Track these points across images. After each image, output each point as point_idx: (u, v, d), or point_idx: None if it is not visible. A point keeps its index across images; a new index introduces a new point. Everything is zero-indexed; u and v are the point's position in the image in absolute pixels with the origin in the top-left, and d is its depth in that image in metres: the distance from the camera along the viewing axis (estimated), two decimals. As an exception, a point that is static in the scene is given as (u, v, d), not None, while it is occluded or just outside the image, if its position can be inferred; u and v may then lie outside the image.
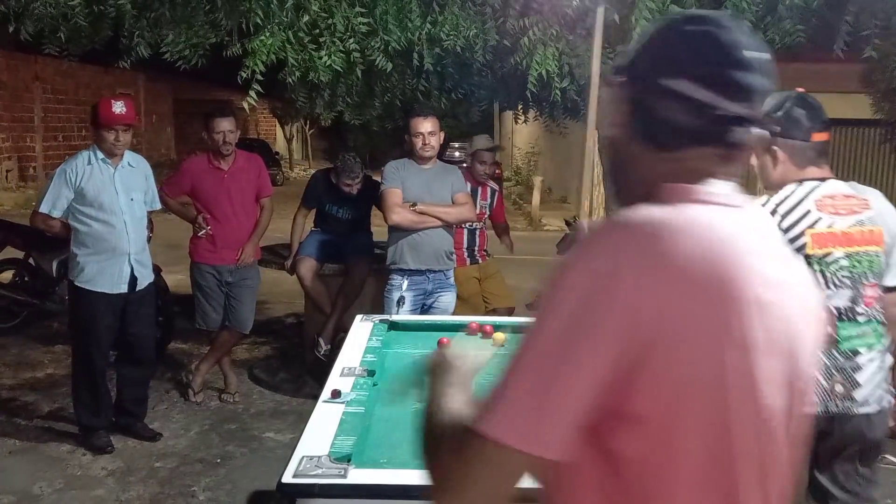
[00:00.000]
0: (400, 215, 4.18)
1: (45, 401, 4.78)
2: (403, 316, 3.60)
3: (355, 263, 5.04)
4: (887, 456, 3.86)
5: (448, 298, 4.39)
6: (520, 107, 6.75)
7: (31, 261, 5.92)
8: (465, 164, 5.44)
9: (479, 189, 5.21)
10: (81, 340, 4.16)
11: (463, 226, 5.01)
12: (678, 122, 1.02)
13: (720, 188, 1.03)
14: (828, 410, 2.30)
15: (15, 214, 9.62)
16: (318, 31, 4.36)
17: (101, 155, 4.02)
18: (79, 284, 4.03)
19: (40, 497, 3.65)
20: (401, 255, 4.26)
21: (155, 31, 4.46)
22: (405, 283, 4.07)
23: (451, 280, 4.45)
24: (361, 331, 3.13)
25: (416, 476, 1.82)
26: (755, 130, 1.03)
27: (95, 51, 4.87)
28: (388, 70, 4.67)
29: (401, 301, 3.81)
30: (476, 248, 5.14)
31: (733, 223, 1.00)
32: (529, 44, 4.51)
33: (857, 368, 2.32)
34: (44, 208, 4.02)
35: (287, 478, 1.95)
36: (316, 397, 2.44)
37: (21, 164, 14.33)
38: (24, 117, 14.28)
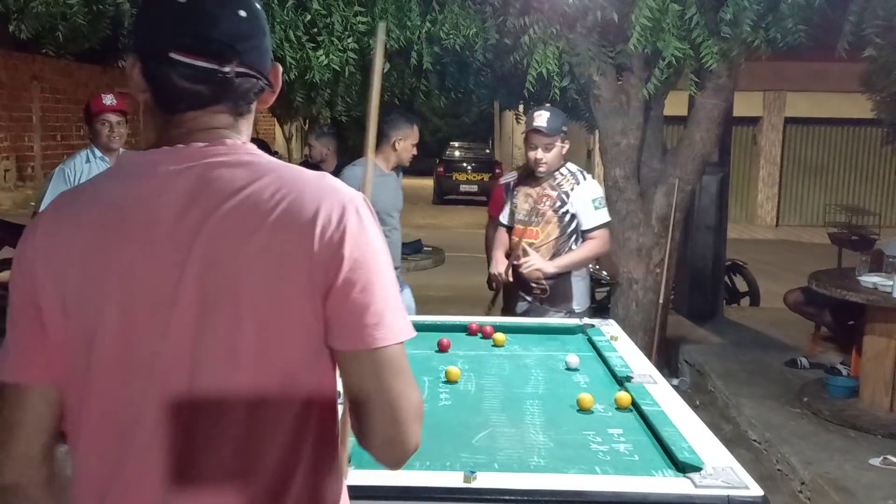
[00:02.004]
0: None
1: (44, 401, 4.75)
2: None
3: None
4: (889, 457, 3.84)
5: (408, 296, 4.42)
6: (521, 106, 6.74)
7: (29, 260, 5.90)
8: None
9: None
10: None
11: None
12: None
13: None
14: None
15: (13, 214, 9.60)
16: (316, 30, 4.35)
17: (98, 153, 4.04)
18: None
19: (38, 498, 3.63)
20: None
21: (153, 29, 4.44)
22: None
23: (401, 278, 4.45)
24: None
25: (416, 477, 1.81)
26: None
27: (94, 50, 4.86)
28: (387, 70, 4.65)
29: None
30: None
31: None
32: (530, 42, 4.49)
33: None
34: (43, 208, 4.02)
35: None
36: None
37: (19, 164, 14.28)
38: (22, 117, 14.23)
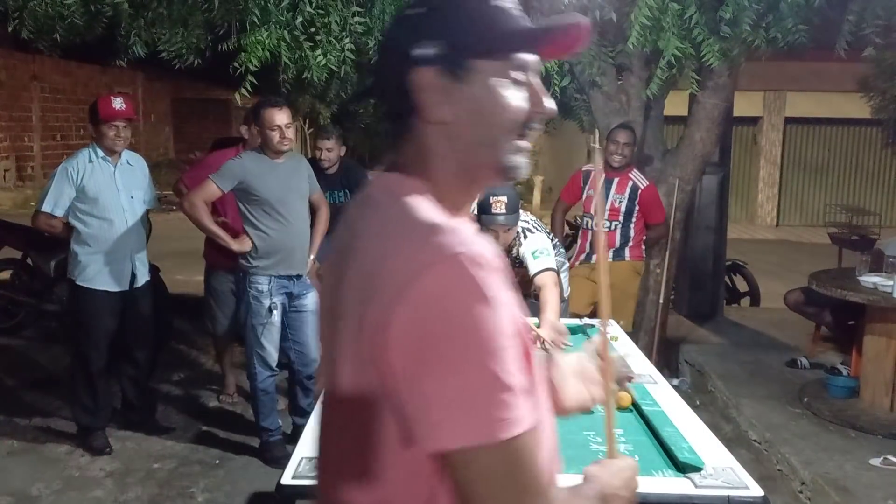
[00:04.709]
0: (194, 208, 3.86)
1: (43, 401, 4.75)
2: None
3: None
4: (889, 457, 3.84)
5: (314, 297, 4.27)
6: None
7: (28, 261, 5.90)
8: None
9: (616, 181, 4.75)
10: (80, 340, 4.13)
11: (586, 225, 4.87)
12: None
13: None
14: None
15: (13, 214, 9.58)
16: (313, 29, 4.34)
17: (101, 153, 4.03)
18: (80, 283, 4.02)
19: (38, 498, 3.63)
20: (272, 260, 3.97)
21: (151, 30, 4.43)
22: (273, 288, 3.93)
23: (307, 280, 4.22)
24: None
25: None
26: None
27: (93, 49, 4.85)
28: None
29: (273, 307, 3.84)
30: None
31: None
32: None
33: None
34: (46, 207, 4.01)
35: (286, 479, 1.94)
36: (315, 398, 2.42)
37: (19, 164, 14.28)
38: (22, 116, 14.23)
